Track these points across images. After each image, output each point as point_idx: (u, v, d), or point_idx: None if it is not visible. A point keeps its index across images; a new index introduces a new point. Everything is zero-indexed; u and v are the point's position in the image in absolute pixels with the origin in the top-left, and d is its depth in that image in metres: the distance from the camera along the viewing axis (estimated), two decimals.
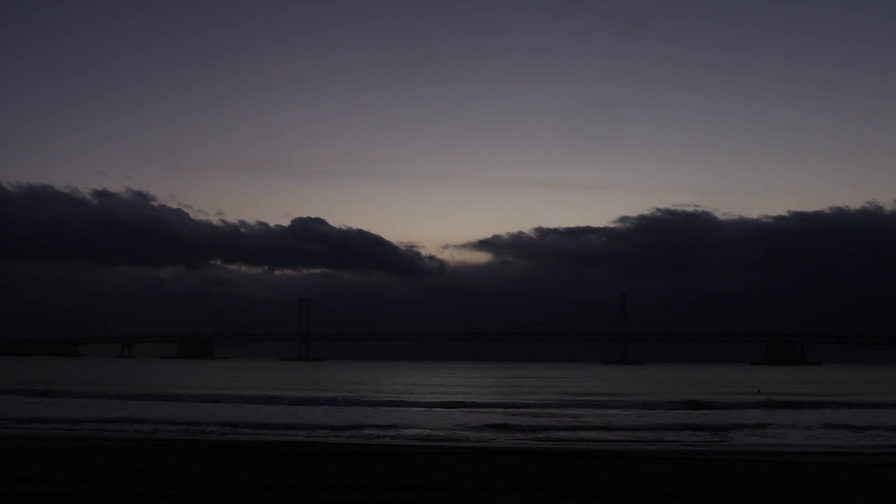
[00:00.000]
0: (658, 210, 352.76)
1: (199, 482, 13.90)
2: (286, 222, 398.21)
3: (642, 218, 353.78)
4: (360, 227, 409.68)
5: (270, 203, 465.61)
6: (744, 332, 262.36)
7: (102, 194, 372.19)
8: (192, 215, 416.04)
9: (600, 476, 15.14)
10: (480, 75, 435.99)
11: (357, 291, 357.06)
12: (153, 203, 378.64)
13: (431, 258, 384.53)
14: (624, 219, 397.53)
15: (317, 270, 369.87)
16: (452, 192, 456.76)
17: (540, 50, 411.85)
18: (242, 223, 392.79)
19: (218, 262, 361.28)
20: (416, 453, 19.19)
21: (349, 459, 17.50)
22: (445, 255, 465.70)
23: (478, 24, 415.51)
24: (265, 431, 26.95)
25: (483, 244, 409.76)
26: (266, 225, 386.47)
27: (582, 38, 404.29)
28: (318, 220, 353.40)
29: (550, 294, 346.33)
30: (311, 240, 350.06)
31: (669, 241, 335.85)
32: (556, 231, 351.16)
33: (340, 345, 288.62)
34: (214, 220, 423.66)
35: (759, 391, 58.20)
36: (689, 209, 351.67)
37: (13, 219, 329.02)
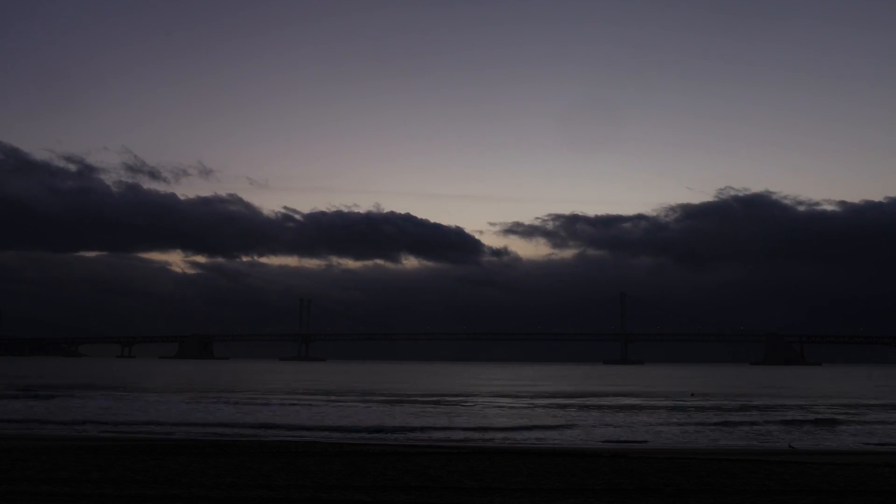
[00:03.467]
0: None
1: (199, 482, 13.89)
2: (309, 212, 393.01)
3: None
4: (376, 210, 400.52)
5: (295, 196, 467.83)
6: (744, 332, 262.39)
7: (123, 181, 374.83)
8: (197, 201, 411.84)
9: (600, 476, 15.13)
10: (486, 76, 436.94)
11: (358, 284, 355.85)
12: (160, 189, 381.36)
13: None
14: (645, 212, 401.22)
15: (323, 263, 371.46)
16: (462, 188, 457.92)
17: (542, 51, 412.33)
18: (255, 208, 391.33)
19: (231, 255, 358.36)
20: (417, 453, 19.18)
21: (349, 459, 17.48)
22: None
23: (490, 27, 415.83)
24: None
25: (506, 232, 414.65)
26: (293, 210, 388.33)
27: (581, 39, 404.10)
28: (331, 212, 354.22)
29: (551, 292, 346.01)
30: (335, 227, 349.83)
31: (679, 235, 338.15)
32: (584, 218, 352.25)
33: (331, 344, 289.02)
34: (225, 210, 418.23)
35: (692, 394, 58.86)
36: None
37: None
